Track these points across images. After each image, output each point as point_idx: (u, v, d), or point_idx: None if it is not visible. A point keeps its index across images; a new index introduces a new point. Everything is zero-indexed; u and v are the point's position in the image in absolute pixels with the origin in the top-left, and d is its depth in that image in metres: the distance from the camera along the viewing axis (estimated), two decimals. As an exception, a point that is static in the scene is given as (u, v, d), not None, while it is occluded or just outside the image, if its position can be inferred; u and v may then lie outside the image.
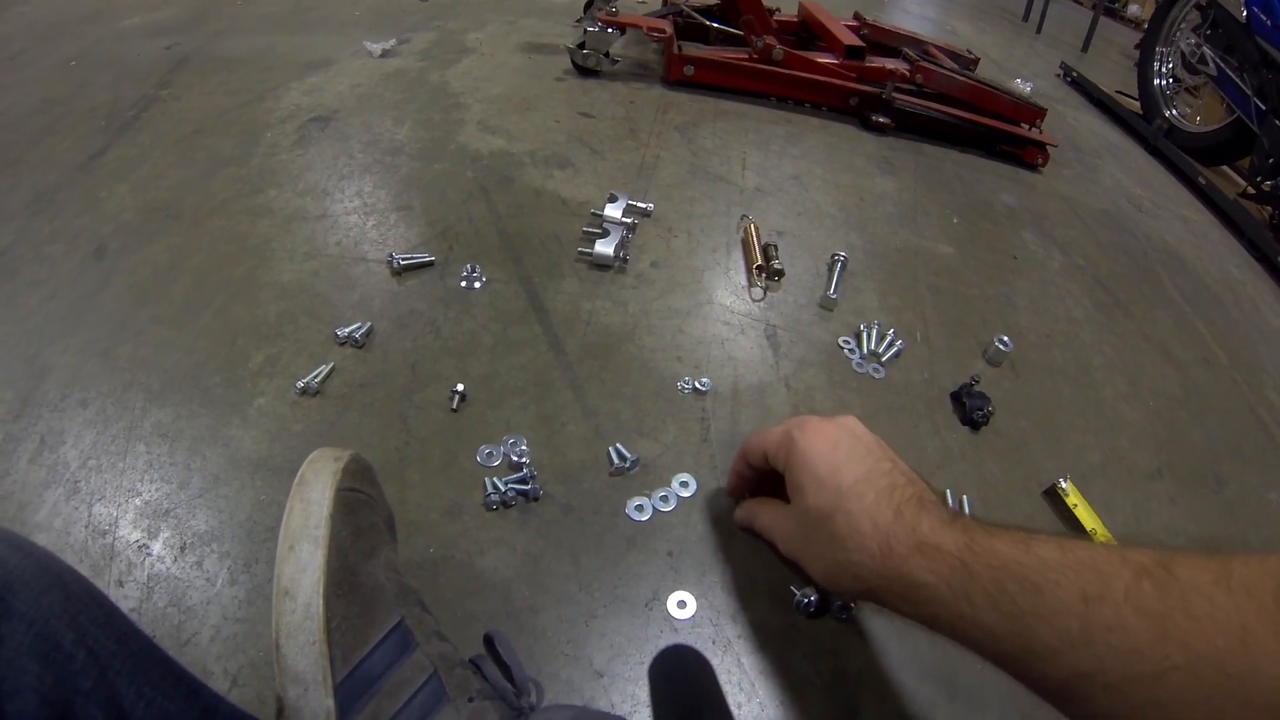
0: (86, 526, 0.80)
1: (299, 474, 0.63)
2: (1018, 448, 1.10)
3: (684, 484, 0.95)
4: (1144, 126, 2.20)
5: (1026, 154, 1.79)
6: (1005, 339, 1.21)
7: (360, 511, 0.65)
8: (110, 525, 0.81)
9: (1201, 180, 1.97)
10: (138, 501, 0.83)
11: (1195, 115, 2.26)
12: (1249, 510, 1.11)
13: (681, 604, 0.84)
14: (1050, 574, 0.49)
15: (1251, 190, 1.95)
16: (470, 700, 0.60)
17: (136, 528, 0.81)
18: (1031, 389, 1.20)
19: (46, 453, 0.86)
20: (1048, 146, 1.79)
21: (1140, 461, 1.14)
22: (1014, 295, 1.38)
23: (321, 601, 0.57)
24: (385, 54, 1.75)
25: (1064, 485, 1.03)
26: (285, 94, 1.47)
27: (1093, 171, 1.90)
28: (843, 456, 0.70)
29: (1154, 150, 2.14)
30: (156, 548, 0.79)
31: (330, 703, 0.56)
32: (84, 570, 0.74)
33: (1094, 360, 1.29)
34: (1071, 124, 2.13)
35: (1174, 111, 2.25)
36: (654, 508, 0.92)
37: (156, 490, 0.84)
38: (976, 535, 0.56)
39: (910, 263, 1.39)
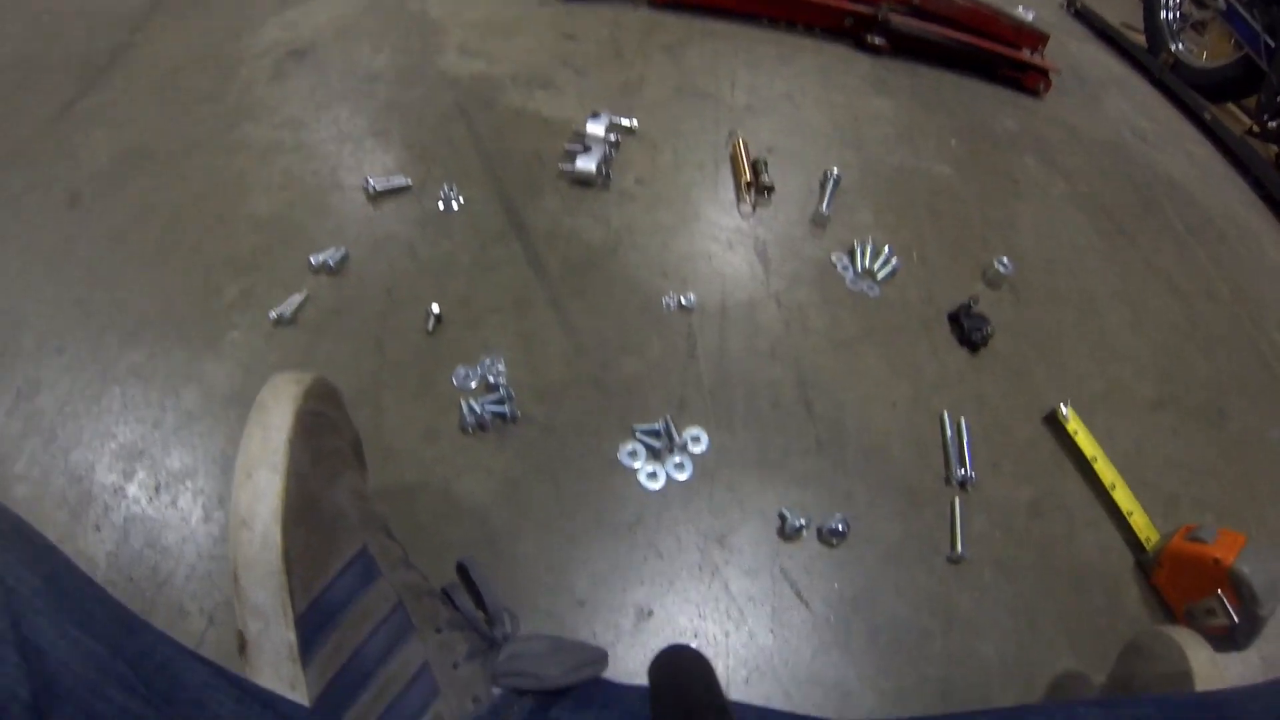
0: (64, 474, 0.78)
1: (258, 398, 0.58)
2: (1018, 372, 1.06)
3: (695, 439, 0.89)
4: (1149, 60, 2.13)
5: (1028, 79, 1.72)
6: (1005, 260, 1.16)
7: (322, 435, 0.60)
8: (87, 470, 0.78)
9: (1207, 116, 1.91)
10: (113, 445, 0.80)
11: (1202, 51, 2.18)
12: (1251, 447, 1.08)
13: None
14: None
15: (1258, 128, 1.89)
16: (438, 631, 0.57)
17: (112, 471, 0.78)
18: (1032, 313, 1.15)
19: (24, 403, 0.83)
20: (1050, 73, 1.72)
21: (1143, 391, 1.10)
22: (1015, 219, 1.33)
23: (280, 530, 0.53)
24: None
25: (1065, 411, 0.99)
26: (262, 30, 1.40)
27: (1096, 101, 1.83)
28: None
29: (1159, 84, 2.07)
30: (132, 489, 0.77)
31: (292, 636, 0.52)
32: (62, 517, 0.74)
33: (1097, 287, 1.24)
34: (1075, 54, 2.05)
35: (1180, 46, 2.18)
36: (668, 475, 0.86)
37: (131, 432, 0.82)
38: None
39: (907, 182, 1.34)
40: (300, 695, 0.52)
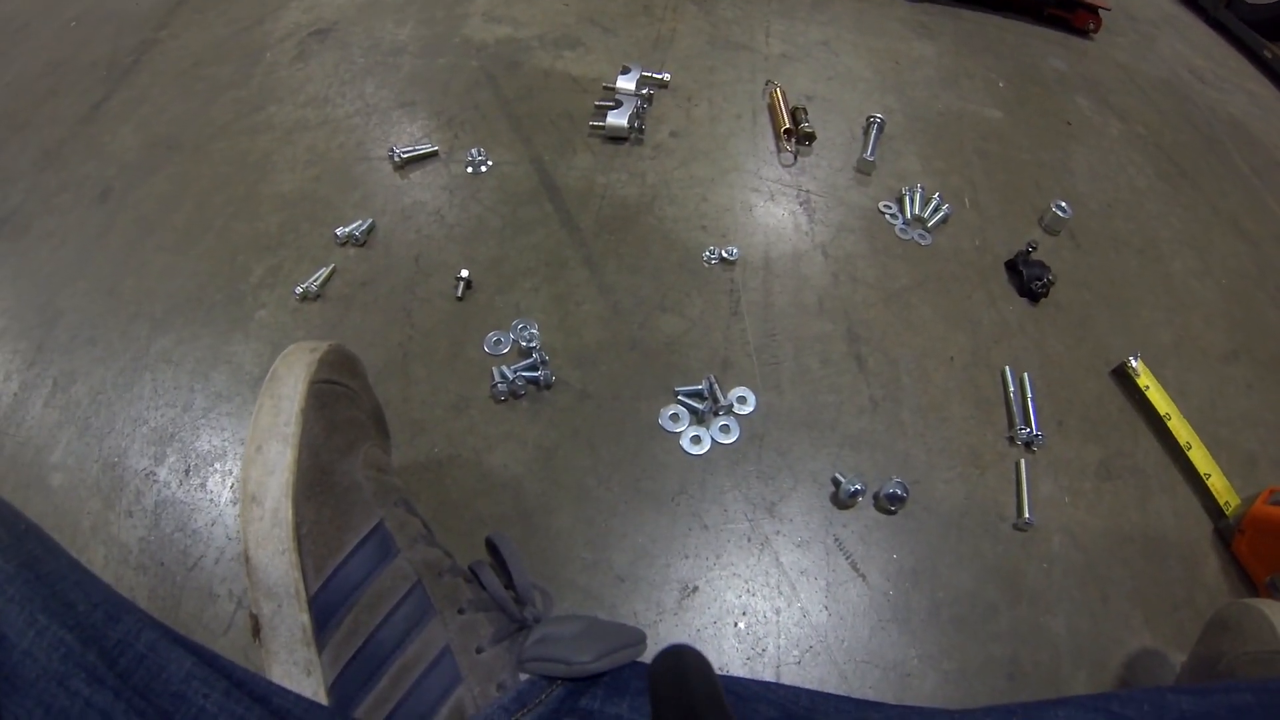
0: (98, 461, 0.78)
1: (271, 369, 0.56)
2: (1081, 322, 0.99)
3: (741, 400, 0.84)
4: (1202, -3, 2.03)
5: (1077, 18, 1.63)
6: (1063, 204, 1.09)
7: (337, 405, 0.57)
8: (120, 457, 0.78)
9: (1267, 54, 1.80)
10: (144, 430, 0.80)
11: (1259, -15, 2.08)
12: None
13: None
14: None
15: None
16: (461, 612, 0.53)
17: (143, 456, 0.78)
18: (1093, 260, 1.08)
19: (59, 394, 0.83)
20: (1100, 10, 1.63)
21: (1215, 342, 1.03)
22: (1070, 161, 1.25)
23: (290, 505, 0.51)
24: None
25: (1134, 364, 0.93)
26: (284, 14, 1.37)
27: (1149, 40, 1.74)
28: None
29: (1214, 22, 1.96)
30: (163, 473, 0.77)
31: (305, 617, 0.50)
32: (95, 505, 0.73)
33: (1160, 232, 1.17)
34: (1124, -7, 1.97)
35: (1235, -18, 2.07)
36: (712, 439, 0.81)
37: (162, 416, 0.81)
38: None
39: (954, 126, 1.26)
40: (315, 680, 0.49)
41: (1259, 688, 0.47)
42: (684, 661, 0.40)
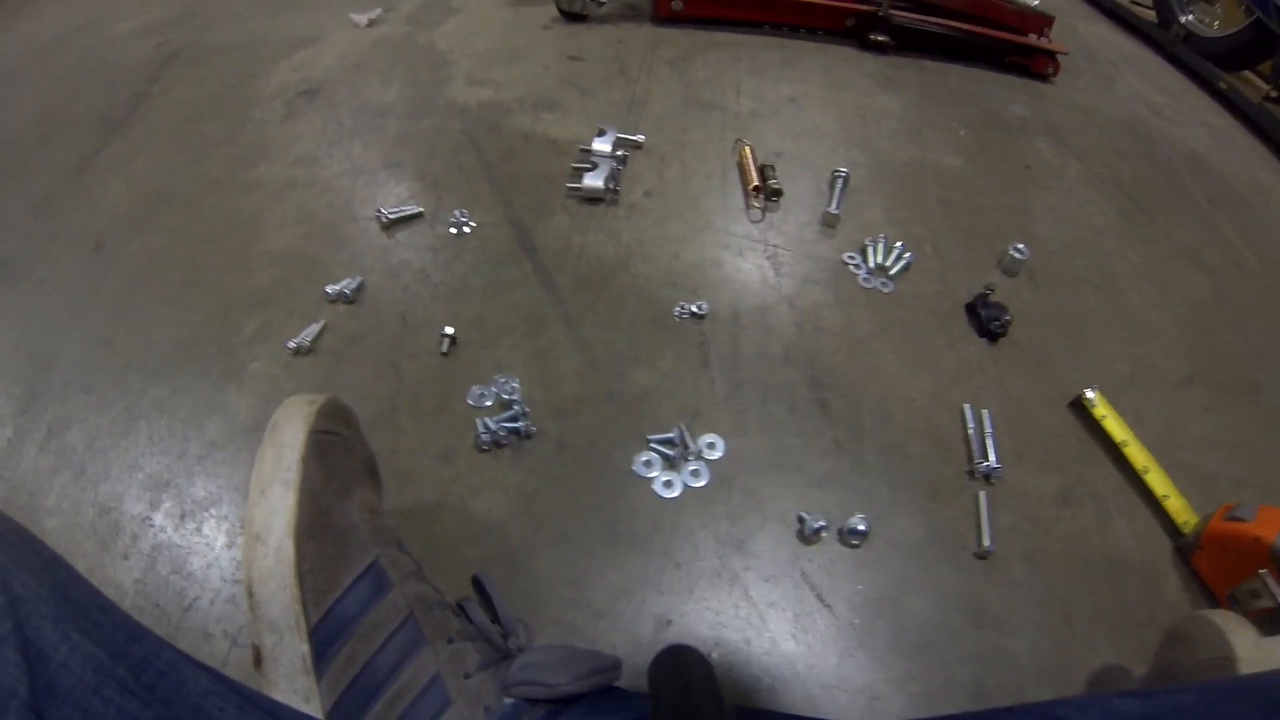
0: (93, 506, 0.80)
1: (272, 420, 0.60)
2: (1040, 359, 1.04)
3: (710, 445, 0.89)
4: (1160, 34, 2.09)
5: (1036, 64, 1.70)
6: (1020, 246, 1.14)
7: (333, 453, 0.62)
8: (115, 502, 0.81)
9: (1223, 85, 1.87)
10: (140, 476, 0.83)
11: (1213, 20, 2.14)
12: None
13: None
14: None
15: (1275, 93, 1.84)
16: (450, 642, 0.57)
17: (139, 501, 0.81)
18: (1052, 298, 1.13)
19: (54, 440, 0.86)
20: (1058, 55, 1.70)
21: (1172, 369, 1.07)
22: (1030, 205, 1.31)
23: (293, 544, 0.55)
24: (371, 23, 1.69)
25: (1090, 396, 0.97)
26: (274, 73, 1.44)
27: (1108, 81, 1.81)
28: None
29: (1172, 58, 2.03)
30: (158, 518, 0.80)
31: (305, 647, 0.54)
32: (91, 548, 0.76)
33: (1118, 267, 1.22)
34: (1083, 35, 2.02)
35: (1190, 17, 2.14)
36: (684, 483, 0.86)
37: (157, 463, 0.84)
38: None
39: (917, 176, 1.32)
40: (314, 707, 0.53)
41: (1202, 688, 0.48)
42: (682, 660, 0.43)
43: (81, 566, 0.75)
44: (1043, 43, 1.72)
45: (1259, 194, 1.51)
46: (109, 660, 0.43)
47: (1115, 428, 0.94)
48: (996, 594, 0.80)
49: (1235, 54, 2.00)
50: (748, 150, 1.27)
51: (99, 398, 0.90)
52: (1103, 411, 0.96)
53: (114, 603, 0.49)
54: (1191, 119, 1.73)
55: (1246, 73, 2.09)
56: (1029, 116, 1.55)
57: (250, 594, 0.54)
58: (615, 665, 0.59)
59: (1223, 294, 1.22)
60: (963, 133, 1.45)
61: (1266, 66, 1.96)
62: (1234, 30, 2.01)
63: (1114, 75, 1.84)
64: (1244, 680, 0.55)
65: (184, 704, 0.45)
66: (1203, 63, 1.96)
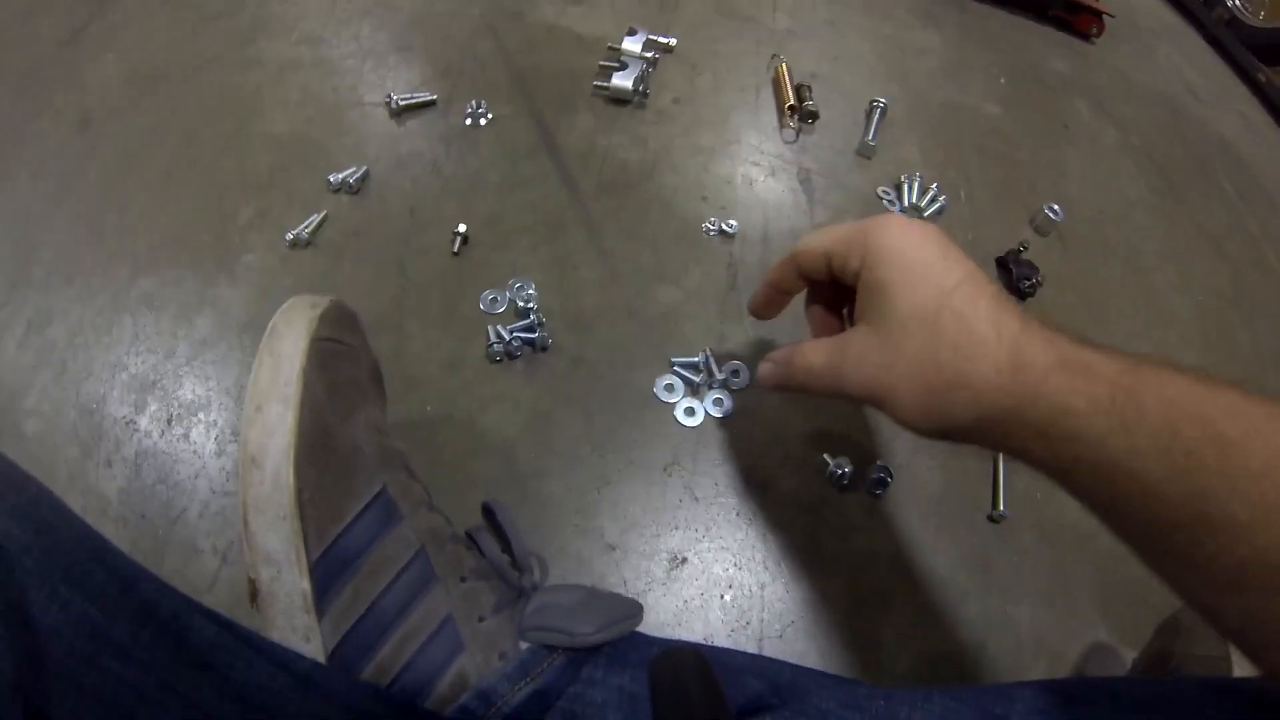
0: (75, 407, 0.76)
1: (270, 324, 0.54)
2: (1065, 326, 1.00)
3: (735, 373, 0.84)
4: (1204, 13, 2.03)
5: (1080, 21, 1.63)
6: (1055, 207, 1.10)
7: (339, 364, 0.56)
8: (98, 404, 0.77)
9: (1261, 78, 1.82)
10: (124, 376, 0.79)
11: (1259, 9, 2.09)
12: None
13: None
14: (1240, 421, 0.37)
15: (1312, 98, 1.82)
16: (463, 580, 0.53)
17: (123, 404, 0.77)
18: (1080, 265, 1.10)
19: (34, 335, 0.82)
20: (1103, 16, 1.64)
21: (1187, 358, 1.05)
22: (1064, 165, 1.26)
23: (292, 470, 0.49)
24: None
25: (1113, 370, 0.94)
26: None
27: (1149, 51, 1.75)
28: (937, 252, 0.52)
29: (1213, 39, 1.97)
30: (143, 422, 0.76)
31: (306, 584, 0.49)
32: (73, 453, 0.71)
33: (1146, 245, 1.19)
34: (1129, 0, 1.97)
35: (1236, 2, 2.09)
36: (706, 411, 0.81)
37: (143, 362, 0.80)
38: (1139, 360, 0.42)
39: (954, 119, 1.27)
40: (315, 648, 0.49)
41: (1205, 683, 0.48)
42: (682, 661, 0.40)
43: (62, 474, 0.70)
44: (1089, 0, 1.66)
45: (1286, 195, 1.48)
46: (104, 620, 0.38)
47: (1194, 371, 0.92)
48: (1005, 560, 0.79)
49: (1278, 48, 1.95)
50: (784, 68, 1.21)
51: (83, 289, 0.84)
52: (1122, 388, 0.93)
53: (104, 539, 0.43)
54: (1226, 105, 1.69)
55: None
56: (1069, 74, 1.50)
57: (245, 523, 0.49)
58: (637, 611, 0.56)
59: (1241, 289, 1.19)
60: (1003, 81, 1.39)
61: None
62: (1279, 24, 1.96)
63: (1155, 46, 1.78)
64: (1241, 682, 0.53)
65: (189, 662, 0.40)
66: (1243, 50, 1.91)
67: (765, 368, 0.65)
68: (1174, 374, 0.40)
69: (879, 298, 0.53)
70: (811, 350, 0.59)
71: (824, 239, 0.59)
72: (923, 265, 0.52)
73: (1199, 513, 0.37)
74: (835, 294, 0.65)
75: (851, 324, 0.59)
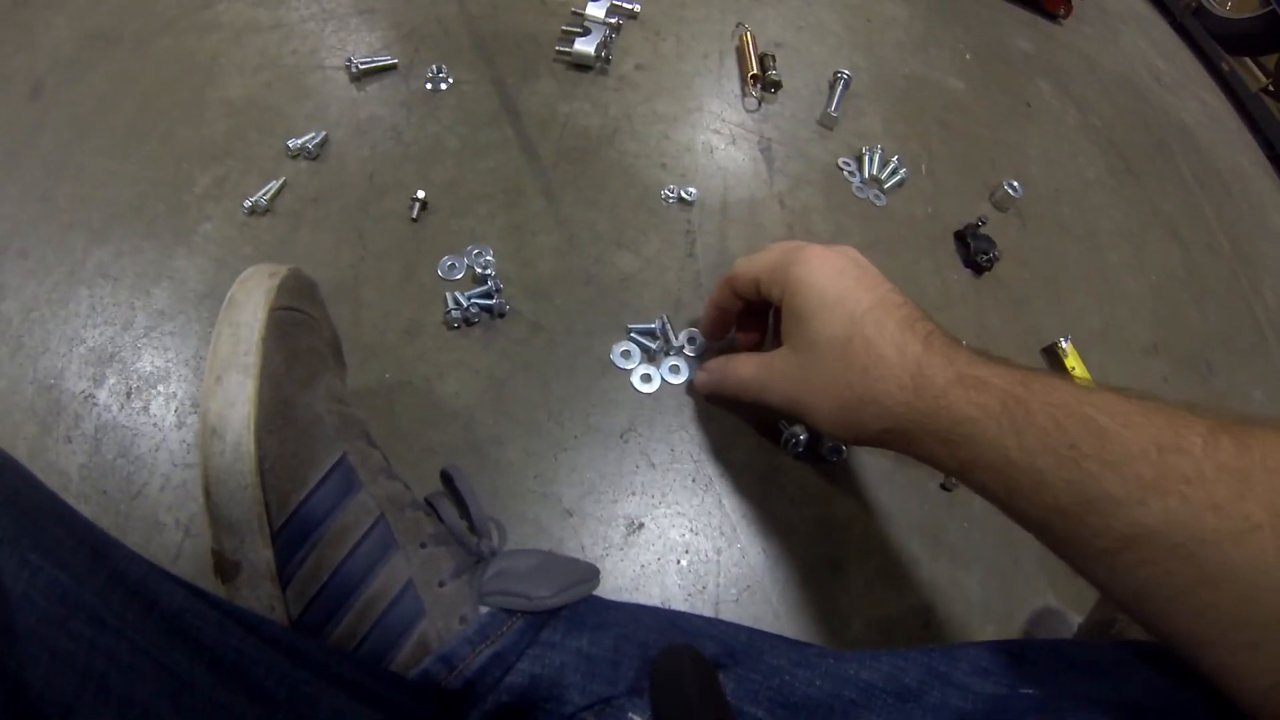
0: (33, 383, 0.73)
1: (229, 294, 0.54)
2: (1020, 300, 1.02)
3: (692, 340, 0.84)
4: (1172, 1, 2.05)
5: (1048, 1, 1.64)
6: (1015, 184, 1.11)
7: (298, 333, 0.55)
8: (56, 378, 0.74)
9: (1224, 67, 1.85)
10: (82, 349, 0.76)
11: (1226, 0, 2.12)
12: (1235, 404, 1.07)
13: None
14: (1118, 417, 0.43)
15: (1273, 87, 1.84)
16: (423, 546, 0.53)
17: (81, 377, 0.74)
18: (1037, 241, 1.11)
19: None
20: (1071, -3, 1.65)
21: (1139, 335, 1.07)
22: (1025, 143, 1.27)
23: (253, 439, 0.49)
24: None
25: (1064, 345, 0.96)
26: None
27: (1114, 34, 1.76)
28: (850, 282, 0.61)
29: (1179, 27, 2.00)
30: (102, 396, 0.73)
31: (269, 554, 0.49)
32: (31, 430, 0.69)
33: (1102, 224, 1.20)
34: (1095, -16, 1.99)
35: (1205, -9, 2.11)
36: (662, 378, 0.81)
37: (100, 335, 0.77)
38: (1027, 373, 0.50)
39: (918, 92, 1.27)
40: (279, 616, 0.49)
41: (1139, 647, 0.51)
42: (682, 661, 0.40)
43: (22, 452, 0.68)
44: (1058, -20, 1.66)
45: (1239, 180, 1.51)
46: (74, 586, 0.37)
47: (1083, 381, 0.93)
48: (955, 527, 0.80)
49: (1243, 39, 1.98)
50: (748, 35, 1.20)
51: (37, 262, 0.80)
52: (1073, 363, 0.95)
53: (70, 507, 0.42)
54: (1188, 92, 1.71)
55: (1247, 60, 2.08)
56: (1034, 53, 1.50)
57: (207, 493, 0.49)
58: (594, 575, 0.57)
59: (1193, 270, 1.22)
60: (968, 57, 1.40)
61: (1271, 59, 1.96)
62: (1246, 15, 1.99)
63: (1120, 30, 1.79)
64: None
65: (159, 626, 0.39)
66: (1208, 39, 1.93)
67: (701, 376, 0.76)
68: (1059, 381, 0.48)
69: (798, 325, 0.62)
70: (742, 364, 0.70)
71: (754, 266, 0.68)
72: (835, 295, 0.60)
73: (1082, 495, 0.43)
74: (765, 307, 0.75)
75: (777, 339, 0.68)
